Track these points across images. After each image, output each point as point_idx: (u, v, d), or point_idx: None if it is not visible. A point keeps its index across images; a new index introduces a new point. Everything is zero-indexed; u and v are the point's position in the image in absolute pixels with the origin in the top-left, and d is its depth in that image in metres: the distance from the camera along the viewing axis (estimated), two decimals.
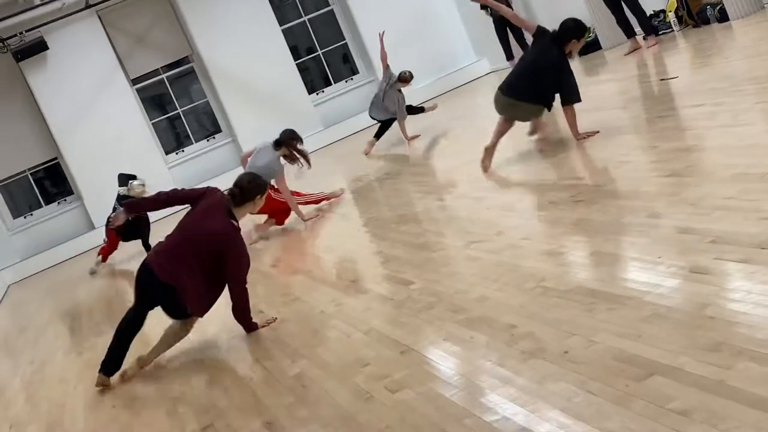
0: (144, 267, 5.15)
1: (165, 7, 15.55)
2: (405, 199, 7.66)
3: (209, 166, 15.60)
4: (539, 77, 6.58)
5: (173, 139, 16.21)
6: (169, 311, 5.24)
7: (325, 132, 15.76)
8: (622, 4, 10.74)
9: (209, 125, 16.29)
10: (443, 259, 5.08)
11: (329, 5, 16.60)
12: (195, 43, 15.46)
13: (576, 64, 12.08)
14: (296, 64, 16.16)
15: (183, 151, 15.95)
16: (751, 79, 6.43)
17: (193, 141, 16.03)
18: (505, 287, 4.07)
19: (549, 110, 6.88)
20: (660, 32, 10.80)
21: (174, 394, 4.66)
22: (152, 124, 15.78)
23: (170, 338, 5.34)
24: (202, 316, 5.25)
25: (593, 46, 12.14)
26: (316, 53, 16.68)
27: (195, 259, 5.00)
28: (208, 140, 16.09)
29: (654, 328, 2.98)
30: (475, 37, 16.12)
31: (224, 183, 16.10)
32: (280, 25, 16.06)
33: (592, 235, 4.38)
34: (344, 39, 16.64)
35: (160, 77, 15.82)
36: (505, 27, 13.32)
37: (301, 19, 16.54)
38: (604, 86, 9.27)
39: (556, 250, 4.28)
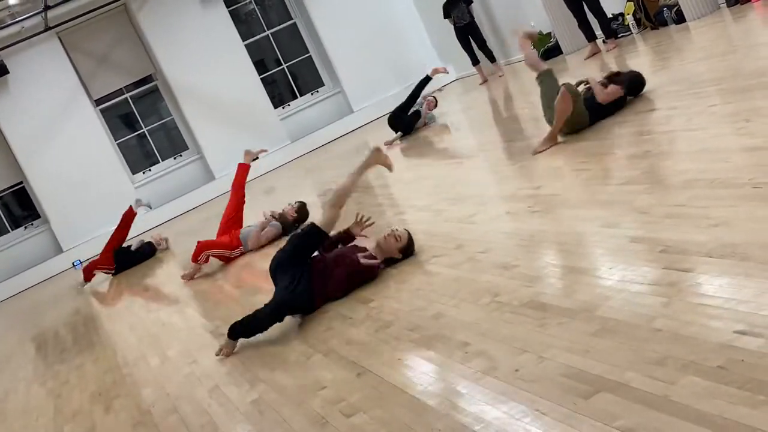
0: None
1: (126, 26, 15.47)
2: (369, 212, 7.60)
3: (177, 184, 15.52)
4: None
5: (140, 158, 16.12)
6: None
7: (292, 146, 15.74)
8: (584, 6, 10.79)
9: (176, 143, 16.21)
10: (402, 275, 5.05)
11: (292, 18, 16.59)
12: (158, 61, 15.39)
13: None
14: (261, 78, 16.13)
15: (150, 170, 15.85)
16: (707, 81, 6.47)
17: (160, 159, 15.95)
18: (461, 303, 4.05)
19: None
20: (619, 35, 10.87)
21: (133, 422, 4.60)
22: (118, 144, 15.69)
23: None
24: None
25: (554, 52, 12.22)
26: (281, 67, 16.66)
27: None
28: (175, 158, 16.01)
29: (603, 342, 2.96)
30: (440, 45, 16.16)
31: (192, 201, 16.08)
32: (244, 40, 16.04)
33: (547, 246, 4.37)
34: (308, 52, 16.63)
35: (123, 97, 15.75)
36: (467, 35, 13.40)
37: (264, 34, 16.51)
38: None
39: (512, 263, 4.27)
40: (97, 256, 11.19)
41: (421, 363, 3.57)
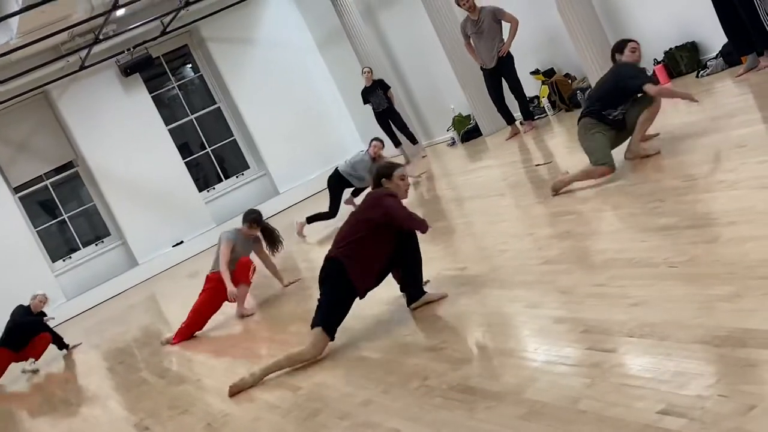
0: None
1: (46, 113, 15.32)
2: (299, 296, 7.58)
3: (98, 272, 15.21)
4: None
5: (60, 244, 15.77)
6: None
7: (217, 229, 15.56)
8: (503, 92, 11.09)
9: (97, 229, 15.94)
10: (330, 360, 5.01)
11: (215, 103, 16.67)
12: (79, 147, 15.24)
13: (459, 151, 12.42)
14: (186, 161, 16.09)
15: (70, 257, 15.51)
16: (621, 161, 6.69)
17: (81, 246, 15.63)
18: (390, 388, 4.03)
19: None
20: (535, 117, 11.22)
21: None
22: (37, 231, 15.34)
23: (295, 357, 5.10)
24: (363, 295, 5.17)
25: (474, 133, 12.53)
26: (206, 150, 16.67)
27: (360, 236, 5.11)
28: (96, 244, 15.72)
29: (531, 426, 2.98)
30: (363, 128, 16.41)
31: (114, 288, 15.66)
32: (167, 125, 16.02)
33: (473, 327, 4.41)
34: (233, 135, 16.69)
35: (43, 183, 15.49)
36: (386, 119, 13.68)
37: (188, 118, 16.54)
38: (485, 172, 9.51)
39: (439, 345, 4.28)
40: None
41: None
